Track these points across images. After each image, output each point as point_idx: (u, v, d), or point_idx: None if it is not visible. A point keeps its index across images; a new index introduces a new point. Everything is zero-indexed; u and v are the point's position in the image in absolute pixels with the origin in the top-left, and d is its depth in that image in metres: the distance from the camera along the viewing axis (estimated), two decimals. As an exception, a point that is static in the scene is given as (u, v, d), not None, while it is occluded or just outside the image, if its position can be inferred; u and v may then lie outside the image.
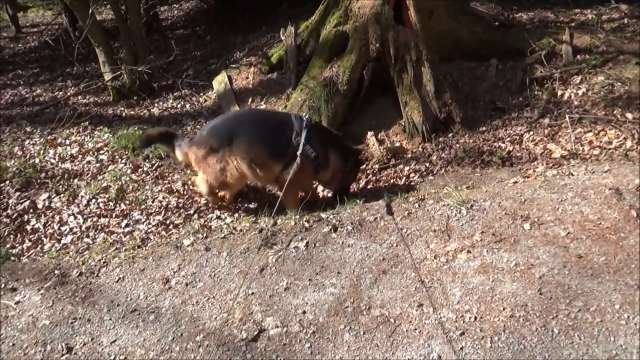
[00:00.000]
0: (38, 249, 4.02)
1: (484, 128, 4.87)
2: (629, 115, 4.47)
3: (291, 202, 3.90)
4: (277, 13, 8.99)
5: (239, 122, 4.05)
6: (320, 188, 4.59)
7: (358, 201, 3.76)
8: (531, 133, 4.61)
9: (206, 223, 4.11)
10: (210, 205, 4.39)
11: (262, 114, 4.65)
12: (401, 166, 4.71)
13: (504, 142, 4.61)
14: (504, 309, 2.55)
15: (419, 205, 3.53)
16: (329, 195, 4.48)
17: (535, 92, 5.03)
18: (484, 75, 5.37)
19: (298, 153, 3.78)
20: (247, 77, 6.31)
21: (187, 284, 3.14)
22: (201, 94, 6.61)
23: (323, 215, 3.61)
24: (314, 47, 5.83)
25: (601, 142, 4.26)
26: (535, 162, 4.17)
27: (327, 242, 3.30)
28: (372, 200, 3.90)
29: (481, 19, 6.08)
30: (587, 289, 2.56)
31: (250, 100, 5.92)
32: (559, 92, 4.96)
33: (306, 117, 3.91)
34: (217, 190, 4.20)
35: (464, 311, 2.60)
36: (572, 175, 3.55)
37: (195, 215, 4.36)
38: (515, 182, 3.68)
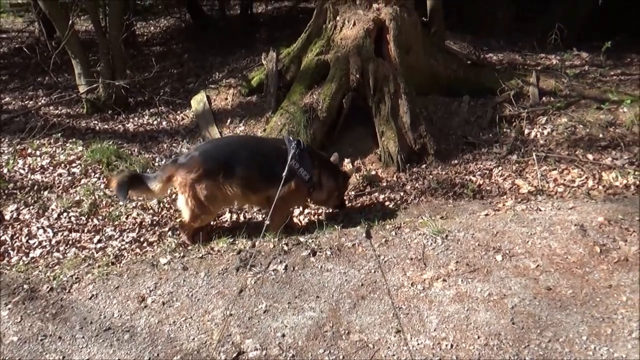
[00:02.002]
0: (5, 262, 3.88)
1: (455, 161, 5.06)
2: (590, 156, 4.76)
3: (278, 223, 3.91)
4: (256, 37, 9.15)
5: (233, 148, 4.01)
6: (296, 212, 4.64)
7: (336, 227, 3.83)
8: (500, 168, 4.83)
9: (183, 241, 4.07)
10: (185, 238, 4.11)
11: (255, 140, 4.68)
12: (376, 194, 4.82)
13: (474, 176, 4.80)
14: (478, 337, 2.65)
15: (396, 233, 3.63)
16: (305, 221, 4.54)
17: (504, 130, 5.29)
18: (457, 110, 5.61)
19: (293, 176, 3.88)
20: (226, 98, 6.35)
21: (163, 303, 3.11)
22: (178, 112, 6.59)
23: (302, 239, 3.66)
24: (295, 74, 5.96)
25: (565, 180, 4.51)
26: (505, 196, 4.37)
27: (306, 265, 3.35)
28: (349, 226, 3.98)
29: (455, 57, 6.39)
30: (557, 320, 2.70)
31: (229, 121, 5.95)
32: (526, 131, 5.23)
33: (296, 141, 3.99)
34: (199, 218, 3.95)
35: (440, 339, 2.68)
36: (540, 210, 3.73)
37: (170, 233, 4.32)
38: (487, 215, 3.84)
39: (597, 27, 7.35)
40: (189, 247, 3.89)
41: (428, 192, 4.70)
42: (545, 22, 6.96)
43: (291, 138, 4.08)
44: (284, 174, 3.80)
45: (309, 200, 4.37)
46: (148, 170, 4.84)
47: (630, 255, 3.13)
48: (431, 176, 4.90)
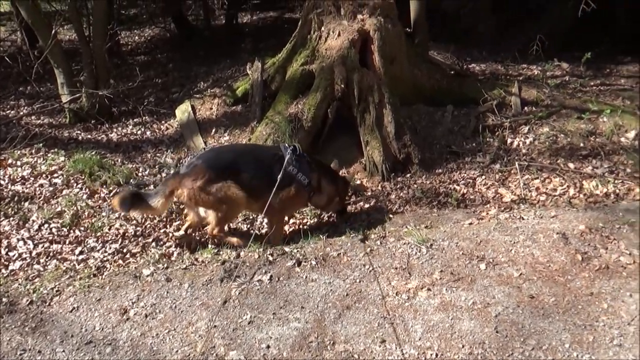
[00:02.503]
0: (-17, 275, 3.80)
1: (440, 170, 5.10)
2: (571, 165, 4.84)
3: (280, 229, 4.12)
4: (241, 47, 9.16)
5: (234, 155, 4.08)
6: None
7: (321, 236, 3.82)
8: (483, 177, 4.88)
9: (166, 253, 4.03)
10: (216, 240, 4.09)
11: (253, 147, 4.69)
12: (361, 203, 4.83)
13: (458, 185, 4.84)
14: (463, 346, 2.66)
15: (381, 243, 3.64)
16: (290, 231, 4.53)
17: (487, 139, 5.35)
18: (441, 120, 5.66)
19: (292, 181, 3.99)
20: (211, 108, 6.34)
21: (146, 316, 3.06)
22: (163, 121, 6.55)
23: (287, 249, 3.65)
24: (280, 84, 5.97)
25: (547, 188, 4.57)
26: (488, 205, 4.41)
27: (291, 276, 3.33)
28: (335, 235, 3.98)
29: (439, 67, 6.46)
30: (540, 328, 2.72)
31: (213, 131, 5.94)
32: (509, 140, 5.30)
33: (292, 147, 4.09)
34: (223, 220, 4.01)
35: (425, 348, 2.68)
36: (523, 219, 3.77)
37: (154, 244, 4.27)
38: (471, 224, 3.87)
39: (577, 38, 7.52)
40: (173, 258, 3.86)
41: (413, 201, 4.72)
42: (527, 34, 7.10)
43: (287, 145, 4.17)
44: (279, 176, 3.84)
45: (309, 204, 4.46)
46: (148, 187, 4.82)
47: (611, 263, 3.18)
48: (415, 185, 4.93)
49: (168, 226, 4.48)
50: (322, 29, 5.77)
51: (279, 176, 3.84)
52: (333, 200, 4.40)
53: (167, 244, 4.24)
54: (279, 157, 3.99)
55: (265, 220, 4.29)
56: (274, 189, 3.80)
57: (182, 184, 3.79)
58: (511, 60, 7.20)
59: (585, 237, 3.44)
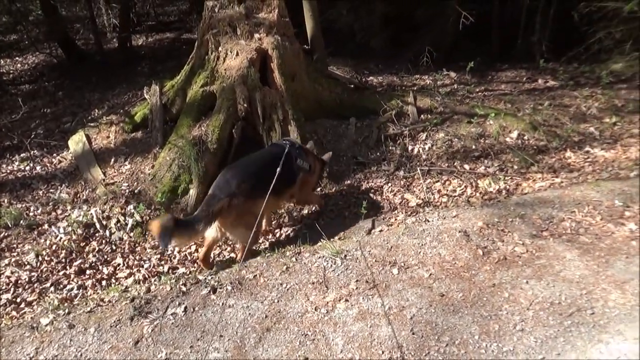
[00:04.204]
0: None
1: (349, 181, 5.23)
2: (467, 166, 5.19)
3: (314, 198, 4.84)
4: (137, 70, 8.81)
5: (256, 165, 4.21)
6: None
7: (237, 259, 3.74)
8: (390, 184, 5.08)
9: (67, 297, 3.72)
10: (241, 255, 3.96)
11: (264, 153, 4.63)
12: (275, 220, 4.80)
13: (367, 194, 4.99)
14: (383, 352, 2.72)
15: (296, 259, 3.64)
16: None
17: (390, 148, 5.59)
18: (345, 132, 5.82)
19: (301, 170, 4.40)
20: (109, 137, 5.99)
21: (47, 370, 2.79)
22: (54, 154, 6.07)
23: (200, 277, 3.52)
24: (181, 106, 5.81)
25: (447, 190, 4.86)
26: (396, 211, 4.59)
27: (207, 304, 3.22)
28: (250, 257, 3.91)
29: (339, 81, 6.65)
30: (451, 324, 2.86)
31: (112, 160, 5.60)
32: (410, 147, 5.57)
33: (290, 142, 4.41)
34: (257, 236, 4.15)
35: None
36: (428, 221, 3.97)
37: (52, 289, 3.93)
38: (381, 231, 4.00)
39: (462, 49, 8.15)
40: (75, 302, 3.56)
41: (325, 214, 4.79)
42: (416, 46, 7.57)
43: (285, 141, 4.50)
44: (294, 168, 4.32)
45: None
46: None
47: (508, 254, 3.44)
48: (326, 198, 5.00)
49: (68, 267, 4.14)
50: (220, 49, 5.71)
51: (294, 168, 4.30)
52: (320, 178, 4.98)
53: (69, 287, 3.92)
54: (288, 154, 4.24)
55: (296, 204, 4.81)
56: (296, 181, 4.35)
57: (230, 203, 3.77)
58: (405, 71, 7.62)
59: (483, 232, 3.69)
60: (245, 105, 5.33)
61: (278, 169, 3.96)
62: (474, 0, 8.38)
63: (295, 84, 5.78)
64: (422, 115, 6.04)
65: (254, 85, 5.42)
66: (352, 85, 6.76)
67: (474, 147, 5.45)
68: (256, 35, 5.75)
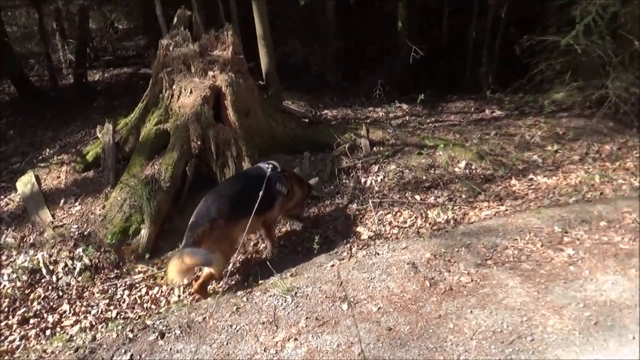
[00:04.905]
0: None
1: (303, 215, 5.27)
2: (417, 197, 5.33)
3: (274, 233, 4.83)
4: (93, 107, 8.72)
5: (232, 193, 4.27)
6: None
7: (186, 302, 3.70)
8: (343, 218, 5.15)
9: (9, 348, 3.57)
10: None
11: (245, 177, 4.79)
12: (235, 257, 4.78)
13: (321, 228, 5.04)
14: (330, 391, 2.73)
15: (247, 299, 3.63)
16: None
17: (344, 181, 5.69)
18: (300, 167, 5.90)
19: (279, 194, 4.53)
20: (59, 177, 5.87)
21: None
22: (1, 196, 5.90)
23: (149, 322, 3.46)
24: (134, 145, 5.77)
25: (398, 221, 4.96)
26: (348, 245, 4.65)
27: (154, 351, 3.16)
28: (199, 298, 3.89)
29: (293, 116, 6.78)
30: (398, 358, 2.90)
31: (62, 201, 5.48)
32: (363, 180, 5.69)
33: (272, 165, 4.54)
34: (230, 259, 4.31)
35: (294, 401, 2.70)
36: (378, 254, 4.05)
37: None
38: (333, 266, 4.04)
39: (413, 81, 8.46)
40: (17, 354, 3.43)
41: (279, 249, 4.80)
42: (369, 80, 7.83)
43: (267, 164, 4.57)
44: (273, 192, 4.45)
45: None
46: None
47: (454, 284, 3.54)
48: (280, 233, 5.03)
49: (10, 317, 3.99)
50: (174, 87, 5.75)
51: (273, 192, 4.41)
52: (301, 203, 5.05)
53: (10, 338, 3.77)
54: (269, 178, 4.37)
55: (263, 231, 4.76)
56: (273, 205, 4.47)
57: (211, 228, 3.88)
58: (359, 104, 7.83)
59: (431, 263, 3.79)
60: (198, 142, 5.36)
61: (261, 192, 4.12)
62: (424, 35, 8.79)
63: (249, 120, 5.86)
64: (374, 148, 6.20)
65: (207, 122, 5.46)
66: (306, 120, 6.89)
67: (424, 177, 5.61)
68: (210, 73, 5.83)
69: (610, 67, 6.93)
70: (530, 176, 5.62)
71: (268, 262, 4.01)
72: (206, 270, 4.01)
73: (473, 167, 5.75)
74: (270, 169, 4.49)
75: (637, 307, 3.11)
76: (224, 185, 4.59)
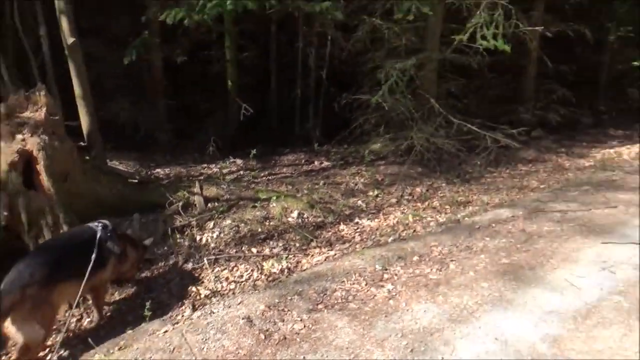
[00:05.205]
0: None
1: (136, 279, 4.97)
2: (254, 250, 5.42)
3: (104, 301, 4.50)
4: None
5: (52, 255, 3.88)
6: None
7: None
8: (178, 279, 4.97)
9: None
10: None
11: (70, 237, 4.47)
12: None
13: (154, 292, 4.79)
14: None
15: (66, 384, 3.25)
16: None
17: (178, 240, 5.54)
18: (130, 229, 5.59)
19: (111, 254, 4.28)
20: None
21: None
22: None
23: None
24: None
25: (235, 276, 4.96)
26: (183, 307, 4.48)
27: None
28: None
29: (120, 177, 6.46)
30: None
31: None
32: (198, 237, 5.60)
33: (103, 224, 4.30)
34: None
35: None
36: (213, 313, 3.98)
37: None
38: (166, 332, 3.85)
39: (246, 137, 8.74)
40: None
41: (108, 324, 4.42)
42: (203, 136, 7.88)
43: (97, 223, 4.31)
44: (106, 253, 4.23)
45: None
46: None
47: (287, 333, 3.63)
48: (109, 307, 4.64)
49: None
50: (-25, 153, 5.08)
51: (104, 252, 4.17)
52: (136, 266, 4.83)
53: None
54: (93, 235, 4.16)
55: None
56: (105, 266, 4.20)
57: (22, 298, 3.49)
58: (192, 161, 7.80)
59: (266, 315, 3.85)
60: (5, 213, 4.77)
61: (93, 256, 3.99)
62: (254, 92, 9.23)
63: (68, 184, 5.40)
64: (209, 204, 6.19)
65: (16, 190, 4.91)
66: (135, 180, 6.61)
67: (259, 230, 5.75)
68: (19, 136, 5.28)
69: (413, 121, 8.08)
70: (356, 220, 6.14)
71: (90, 339, 3.66)
72: (20, 343, 3.52)
73: (305, 215, 6.08)
74: (100, 227, 4.26)
75: (444, 330, 3.55)
76: (41, 247, 4.18)
